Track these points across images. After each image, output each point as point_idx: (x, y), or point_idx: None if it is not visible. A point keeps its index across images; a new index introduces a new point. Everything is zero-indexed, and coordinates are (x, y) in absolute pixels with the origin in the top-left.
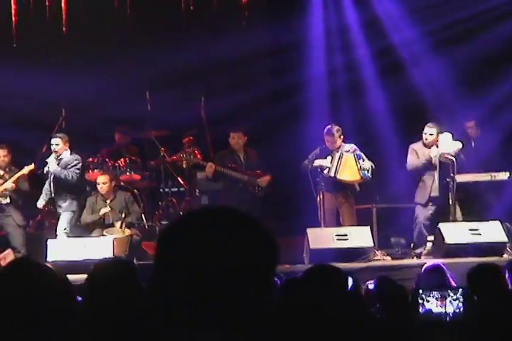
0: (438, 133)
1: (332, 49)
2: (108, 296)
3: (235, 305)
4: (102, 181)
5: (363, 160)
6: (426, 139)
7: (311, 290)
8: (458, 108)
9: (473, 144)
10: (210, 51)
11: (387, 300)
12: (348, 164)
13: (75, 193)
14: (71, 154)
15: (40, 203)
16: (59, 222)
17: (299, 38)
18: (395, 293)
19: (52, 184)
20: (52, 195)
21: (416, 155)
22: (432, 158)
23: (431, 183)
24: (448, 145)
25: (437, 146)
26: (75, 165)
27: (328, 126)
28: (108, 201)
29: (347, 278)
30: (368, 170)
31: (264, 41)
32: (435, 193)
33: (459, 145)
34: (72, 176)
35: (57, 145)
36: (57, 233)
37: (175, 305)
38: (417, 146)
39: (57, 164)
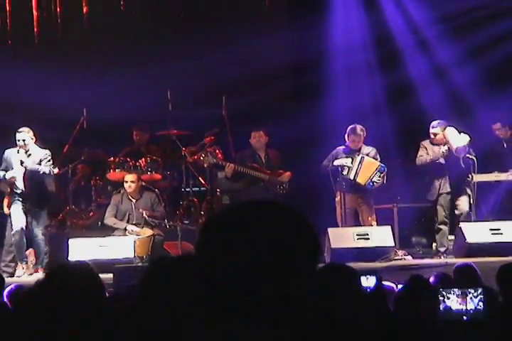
0: (442, 131)
1: (354, 49)
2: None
3: (276, 299)
4: (131, 179)
5: (380, 176)
6: (432, 138)
7: (321, 290)
8: (483, 108)
9: (505, 145)
10: (231, 50)
11: (417, 300)
12: (368, 169)
13: (47, 190)
14: (40, 148)
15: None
16: (36, 222)
17: (319, 37)
18: (427, 293)
19: (24, 182)
20: (21, 191)
21: (426, 150)
22: (441, 157)
23: (440, 180)
24: (457, 139)
25: (445, 144)
26: (48, 160)
27: (352, 126)
28: (134, 200)
29: (359, 277)
30: (374, 184)
31: (285, 40)
32: (445, 189)
33: (467, 138)
34: (49, 171)
35: (23, 140)
36: (34, 233)
37: (216, 299)
38: (426, 143)
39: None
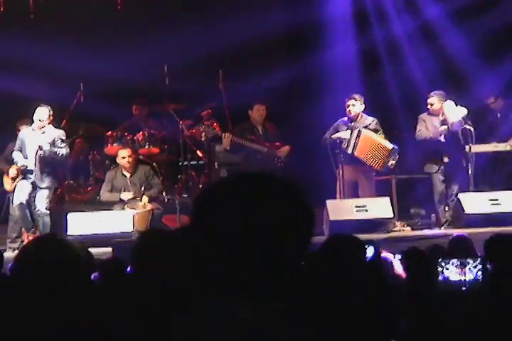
0: (441, 102)
1: (351, 25)
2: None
3: (268, 272)
4: (128, 154)
5: (395, 159)
6: (428, 108)
7: (329, 260)
8: (476, 79)
9: (498, 115)
10: (229, 26)
11: (415, 271)
12: (367, 144)
13: (56, 169)
14: (55, 128)
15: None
16: (38, 200)
17: (319, 13)
18: (422, 264)
19: (36, 157)
20: (33, 167)
21: (424, 124)
22: (440, 135)
23: (439, 152)
24: (454, 112)
25: (443, 116)
26: (63, 141)
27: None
28: (128, 175)
29: (365, 247)
30: (390, 166)
31: (283, 16)
32: (445, 160)
33: (464, 111)
34: (62, 152)
35: (45, 116)
36: (38, 211)
37: (208, 271)
38: (424, 116)
39: (44, 140)
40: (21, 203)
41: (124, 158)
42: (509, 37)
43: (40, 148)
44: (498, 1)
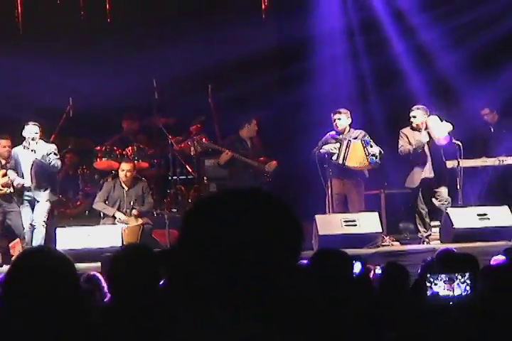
0: (424, 117)
1: (340, 36)
2: (129, 281)
3: (258, 285)
4: (127, 169)
5: (371, 146)
6: (411, 122)
7: (316, 274)
8: (469, 94)
9: (492, 129)
10: (218, 40)
11: (393, 285)
12: (356, 151)
13: (52, 182)
14: (46, 143)
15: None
16: (37, 212)
17: (305, 24)
18: (401, 278)
19: (31, 173)
20: (30, 184)
21: (407, 139)
22: (424, 144)
23: (423, 167)
24: (439, 128)
25: (427, 130)
26: (55, 154)
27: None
28: (126, 189)
29: (352, 262)
30: (376, 156)
31: (272, 29)
32: (430, 174)
33: (449, 126)
34: (56, 163)
35: (36, 133)
36: (35, 222)
37: (197, 284)
38: (406, 130)
39: (35, 152)
40: (31, 224)
41: (123, 170)
42: (502, 51)
43: (34, 151)
44: (489, 17)
